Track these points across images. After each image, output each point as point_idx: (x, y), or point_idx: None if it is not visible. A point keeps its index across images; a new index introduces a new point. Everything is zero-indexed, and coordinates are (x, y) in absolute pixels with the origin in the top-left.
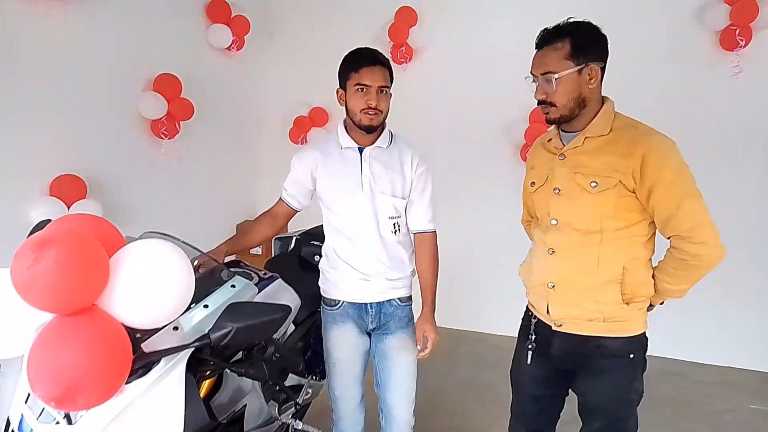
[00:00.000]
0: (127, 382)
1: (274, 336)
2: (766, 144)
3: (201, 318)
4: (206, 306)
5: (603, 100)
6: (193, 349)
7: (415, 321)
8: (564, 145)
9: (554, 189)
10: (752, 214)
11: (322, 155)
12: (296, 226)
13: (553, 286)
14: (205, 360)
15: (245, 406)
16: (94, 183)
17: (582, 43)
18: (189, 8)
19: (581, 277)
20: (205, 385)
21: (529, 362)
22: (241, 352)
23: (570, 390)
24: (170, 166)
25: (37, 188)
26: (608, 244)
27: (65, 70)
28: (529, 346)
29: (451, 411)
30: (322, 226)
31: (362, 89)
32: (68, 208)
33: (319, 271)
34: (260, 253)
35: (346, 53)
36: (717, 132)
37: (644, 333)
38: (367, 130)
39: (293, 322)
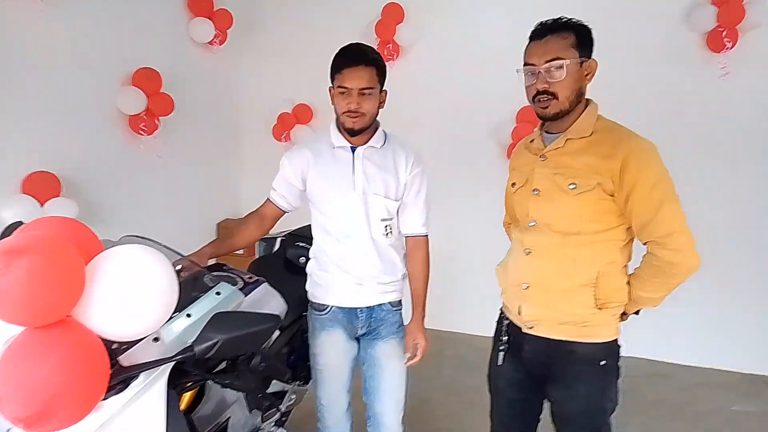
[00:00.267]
0: (103, 399)
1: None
2: (753, 144)
3: (184, 328)
4: (189, 315)
5: (587, 102)
6: (174, 362)
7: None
8: (546, 146)
9: (534, 190)
10: (737, 215)
11: (314, 154)
12: (281, 227)
13: (528, 287)
14: (187, 371)
15: (229, 418)
16: (68, 180)
17: (584, 35)
18: (170, 1)
19: (556, 278)
20: (186, 397)
21: (500, 363)
22: (225, 362)
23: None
24: (149, 163)
25: (8, 186)
26: (585, 247)
27: (40, 62)
28: (501, 347)
29: (438, 415)
30: (308, 226)
31: (344, 91)
32: (41, 206)
33: (304, 273)
34: (242, 253)
35: (336, 51)
36: (705, 132)
37: (616, 340)
38: (350, 132)
39: (278, 328)
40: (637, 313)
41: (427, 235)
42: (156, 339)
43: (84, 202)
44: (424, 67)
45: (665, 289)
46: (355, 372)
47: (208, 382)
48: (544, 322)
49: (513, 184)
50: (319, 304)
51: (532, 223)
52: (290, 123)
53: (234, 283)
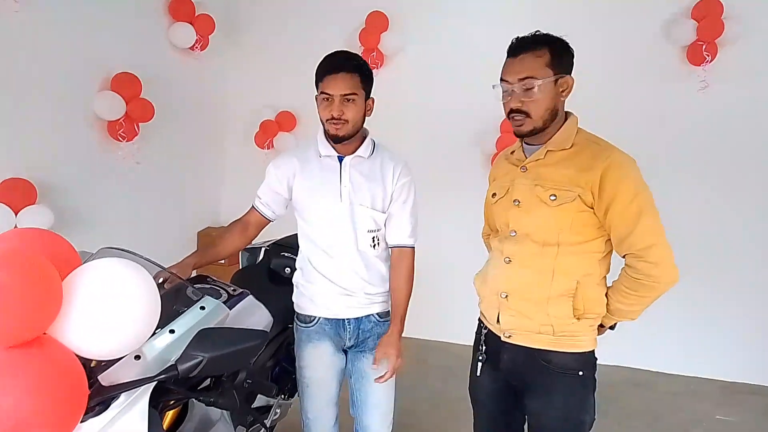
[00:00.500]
0: (81, 421)
1: None
2: (732, 156)
3: (167, 345)
4: (173, 331)
5: (566, 114)
6: (157, 382)
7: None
8: (526, 158)
9: (514, 201)
10: (714, 226)
11: (300, 163)
12: (265, 236)
13: (506, 296)
14: (170, 389)
15: None
16: (44, 187)
17: (560, 52)
18: (150, 5)
19: (535, 288)
20: (169, 416)
21: (479, 374)
22: (209, 379)
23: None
24: (128, 170)
25: None
26: (564, 258)
27: (15, 65)
28: (480, 357)
29: (425, 428)
30: (293, 236)
31: (326, 98)
32: (16, 214)
33: (289, 284)
34: (225, 263)
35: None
36: (684, 145)
37: (593, 351)
38: (334, 140)
39: None
40: (612, 327)
41: (413, 247)
42: (137, 357)
43: (60, 210)
44: (408, 76)
45: (643, 302)
46: (342, 384)
47: (192, 399)
48: (522, 331)
49: (493, 194)
50: (305, 315)
51: (512, 233)
52: (273, 130)
53: (218, 296)
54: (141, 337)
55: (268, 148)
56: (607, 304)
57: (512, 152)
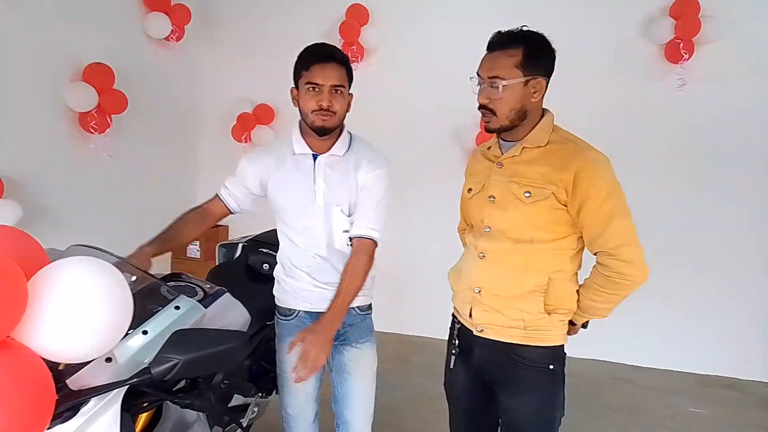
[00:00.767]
0: (48, 428)
1: None
2: (709, 154)
3: (139, 347)
4: (146, 332)
5: (543, 112)
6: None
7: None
8: (503, 154)
9: (489, 197)
10: (691, 222)
11: (276, 162)
12: (244, 231)
13: (479, 291)
14: (143, 391)
15: None
16: (12, 181)
17: (534, 53)
18: None
19: (507, 283)
20: (142, 419)
21: (452, 366)
22: (184, 380)
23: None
24: (100, 163)
25: None
26: (537, 254)
27: None
28: (453, 351)
29: (407, 427)
30: (271, 231)
31: (314, 88)
32: None
33: (267, 281)
34: (199, 257)
35: (302, 50)
36: (661, 143)
37: (563, 346)
38: (320, 132)
39: None
40: (585, 326)
41: (374, 241)
42: (108, 359)
43: (29, 205)
44: (389, 70)
45: (614, 299)
46: (323, 380)
47: (166, 401)
48: (494, 326)
49: (469, 189)
50: (285, 308)
51: (486, 229)
52: (251, 124)
53: (194, 294)
54: (112, 339)
55: (246, 142)
56: (579, 301)
57: (489, 147)
